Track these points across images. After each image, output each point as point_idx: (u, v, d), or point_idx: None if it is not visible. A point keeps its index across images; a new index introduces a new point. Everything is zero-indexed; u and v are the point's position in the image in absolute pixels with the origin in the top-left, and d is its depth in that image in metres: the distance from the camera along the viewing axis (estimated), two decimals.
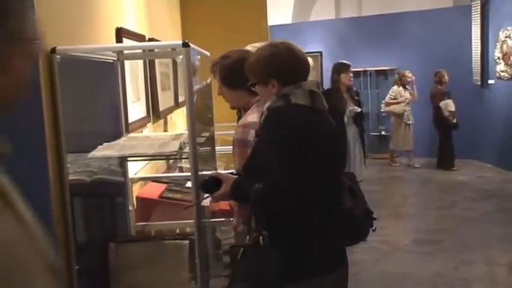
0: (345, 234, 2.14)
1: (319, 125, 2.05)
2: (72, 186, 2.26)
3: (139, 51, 3.13)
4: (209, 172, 2.37)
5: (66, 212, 2.24)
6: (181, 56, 2.22)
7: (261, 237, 2.00)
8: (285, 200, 1.94)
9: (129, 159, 2.72)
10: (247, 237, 2.06)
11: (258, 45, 2.93)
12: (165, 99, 4.51)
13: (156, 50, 3.18)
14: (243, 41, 3.16)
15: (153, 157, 2.47)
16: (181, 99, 5.38)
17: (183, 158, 2.37)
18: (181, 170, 3.98)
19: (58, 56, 2.14)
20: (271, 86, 2.10)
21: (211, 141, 3.29)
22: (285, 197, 1.93)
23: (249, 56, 2.30)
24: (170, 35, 5.38)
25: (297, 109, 2.03)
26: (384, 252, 5.34)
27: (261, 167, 2.01)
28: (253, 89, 2.21)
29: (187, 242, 2.53)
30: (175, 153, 2.25)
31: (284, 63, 2.08)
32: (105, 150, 2.35)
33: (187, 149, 2.30)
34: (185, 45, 2.16)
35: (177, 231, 3.30)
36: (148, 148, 2.36)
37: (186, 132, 2.79)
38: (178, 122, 5.30)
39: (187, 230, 3.17)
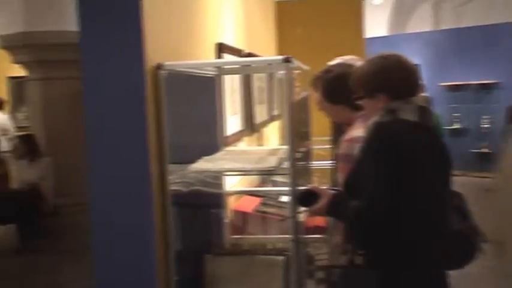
0: (451, 256, 2.02)
1: (427, 143, 1.95)
2: (171, 196, 2.32)
3: (238, 66, 3.20)
4: (306, 187, 2.34)
5: (167, 222, 2.29)
6: (281, 72, 2.21)
7: (357, 257, 1.93)
8: (384, 220, 1.86)
9: (227, 173, 2.75)
10: (343, 256, 2.01)
11: (348, 58, 2.89)
12: (260, 113, 4.55)
13: (253, 65, 3.22)
14: (338, 54, 3.11)
15: (251, 172, 2.47)
16: (275, 112, 5.41)
17: (282, 174, 2.35)
18: (274, 183, 3.99)
19: (164, 72, 2.21)
20: (379, 100, 2.03)
21: (307, 155, 3.26)
22: (383, 217, 1.86)
23: (352, 71, 2.25)
24: (266, 49, 5.44)
25: (405, 125, 1.94)
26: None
27: (361, 184, 1.95)
28: (358, 102, 2.14)
29: (281, 257, 2.51)
30: (273, 168, 2.24)
31: (394, 77, 2.01)
32: (205, 164, 2.39)
33: (285, 165, 2.29)
34: (287, 60, 2.15)
35: (270, 245, 3.30)
36: (247, 163, 2.38)
37: (283, 147, 2.79)
38: (273, 135, 5.32)
39: (279, 245, 3.16)
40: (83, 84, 2.16)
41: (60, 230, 5.94)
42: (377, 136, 1.96)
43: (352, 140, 2.26)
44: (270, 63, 2.50)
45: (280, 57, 2.18)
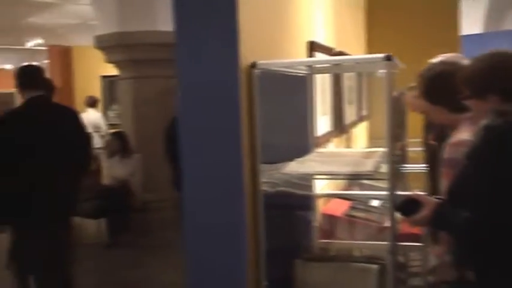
0: None
1: None
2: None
3: (330, 64, 3.09)
4: (405, 193, 2.20)
5: (258, 223, 2.24)
6: (381, 70, 2.09)
7: (468, 273, 1.78)
8: (497, 235, 1.70)
9: (323, 177, 2.66)
10: (451, 270, 1.86)
11: (450, 55, 2.69)
12: (349, 113, 4.42)
13: (348, 64, 3.10)
14: (432, 53, 2.93)
15: (347, 176, 2.37)
16: (364, 113, 5.25)
17: (380, 179, 2.23)
18: (361, 187, 3.85)
19: (257, 71, 2.15)
20: (489, 101, 1.86)
21: (402, 159, 3.11)
22: (496, 231, 1.70)
23: (454, 69, 2.09)
24: (354, 47, 5.28)
25: None
26: None
27: (466, 192, 1.79)
28: (465, 103, 1.97)
29: (375, 266, 2.38)
30: (371, 173, 2.12)
31: (508, 76, 1.84)
32: (299, 167, 2.31)
33: (383, 169, 2.16)
34: (387, 58, 2.03)
35: (358, 251, 3.18)
36: (342, 166, 2.27)
37: (378, 149, 2.66)
38: (361, 136, 5.16)
39: (367, 251, 3.04)
40: (177, 83, 2.15)
41: (148, 225, 6.09)
42: (487, 141, 1.79)
43: (458, 144, 2.09)
44: (369, 62, 2.37)
45: (381, 55, 2.06)
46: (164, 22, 6.71)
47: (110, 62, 7.19)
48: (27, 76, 3.53)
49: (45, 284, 3.58)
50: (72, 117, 3.65)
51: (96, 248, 6.09)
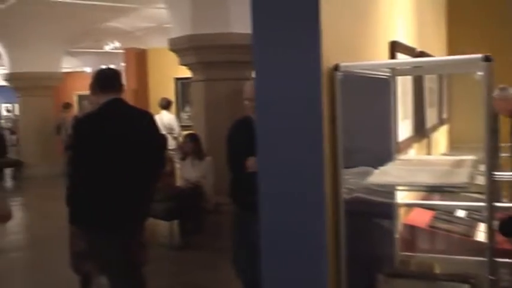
0: None
1: None
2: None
3: (412, 66, 2.91)
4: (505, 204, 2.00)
5: (339, 231, 2.11)
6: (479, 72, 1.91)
7: None
8: None
9: (411, 189, 2.48)
10: None
11: None
12: (430, 117, 4.18)
13: (431, 65, 2.91)
14: None
15: (439, 189, 2.18)
16: (444, 116, 4.97)
17: (476, 193, 2.03)
18: (443, 196, 3.60)
19: (340, 73, 2.02)
20: None
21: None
22: None
23: None
24: (436, 47, 5.02)
25: None
26: None
27: None
28: None
29: (467, 286, 2.19)
30: (466, 185, 1.93)
31: None
32: (385, 176, 2.15)
33: (478, 180, 1.97)
34: (487, 59, 1.84)
35: (443, 266, 2.97)
36: (433, 177, 2.09)
37: (469, 157, 2.46)
38: (441, 140, 4.89)
39: (453, 266, 2.82)
40: (256, 85, 2.05)
41: (220, 227, 6.07)
42: None
43: None
44: (465, 63, 2.18)
45: (479, 55, 1.88)
46: (237, 24, 6.70)
47: (183, 64, 7.26)
48: (108, 79, 3.56)
49: (119, 286, 3.59)
50: (147, 120, 3.65)
51: (168, 250, 6.15)
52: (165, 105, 9.63)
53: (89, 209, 3.39)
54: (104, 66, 4.05)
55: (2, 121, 19.21)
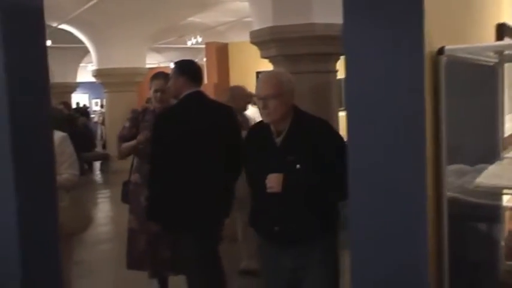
0: None
1: None
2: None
3: None
4: None
5: (441, 232, 1.88)
6: None
7: None
8: None
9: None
10: None
11: None
12: None
13: None
14: None
15: None
16: None
17: None
18: None
19: (444, 57, 1.78)
20: None
21: None
22: None
23: None
24: None
25: None
26: None
27: None
28: None
29: None
30: None
31: None
32: (495, 179, 1.89)
33: None
34: None
35: None
36: None
37: None
38: None
39: None
40: (346, 76, 1.85)
41: None
42: None
43: None
44: None
45: None
46: (320, 14, 6.46)
47: (265, 57, 7.11)
48: (197, 70, 3.50)
49: (198, 284, 3.51)
50: (227, 114, 3.54)
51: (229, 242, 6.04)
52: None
53: (168, 206, 3.33)
54: (186, 59, 3.95)
55: (92, 116, 20.04)
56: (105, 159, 13.27)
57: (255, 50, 7.24)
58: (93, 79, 13.98)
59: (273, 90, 2.68)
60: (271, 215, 2.77)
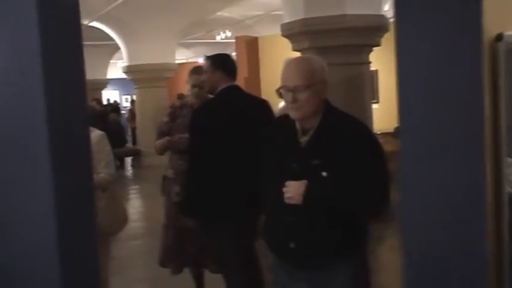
0: None
1: None
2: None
3: None
4: None
5: (501, 227, 1.76)
6: None
7: None
8: None
9: None
10: None
11: None
12: None
13: None
14: None
15: None
16: None
17: None
18: None
19: (503, 44, 1.66)
20: None
21: None
22: None
23: None
24: None
25: None
26: None
27: None
28: None
29: None
30: None
31: None
32: None
33: None
34: None
35: None
36: None
37: None
38: None
39: None
40: (397, 64, 1.74)
41: None
42: None
43: None
44: None
45: None
46: (352, 5, 6.33)
47: (296, 49, 7.01)
48: (233, 64, 3.44)
49: (235, 280, 3.45)
50: (264, 108, 3.46)
51: None
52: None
53: (205, 199, 3.28)
54: (221, 53, 3.89)
55: (123, 112, 20.22)
56: (136, 154, 13.36)
57: (285, 43, 7.15)
58: (123, 75, 14.09)
59: (303, 79, 2.22)
60: (286, 229, 2.30)
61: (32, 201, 2.05)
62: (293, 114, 2.29)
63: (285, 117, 2.40)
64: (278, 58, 10.90)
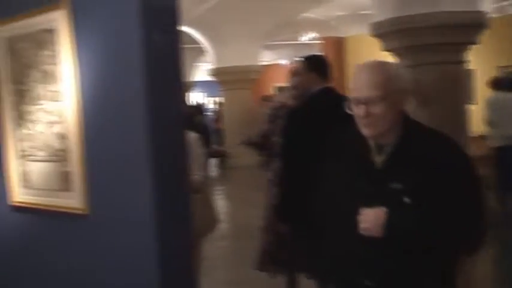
0: None
1: None
2: None
3: None
4: None
5: None
6: None
7: None
8: None
9: None
10: None
11: None
12: None
13: None
14: None
15: None
16: None
17: None
18: None
19: None
20: None
21: None
22: None
23: None
24: None
25: None
26: None
27: None
28: None
29: None
30: None
31: None
32: None
33: None
34: None
35: None
36: None
37: None
38: None
39: None
40: None
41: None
42: None
43: None
44: None
45: None
46: (447, 2, 6.04)
47: (387, 49, 6.80)
48: (328, 65, 3.36)
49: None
50: None
51: None
52: None
53: (298, 204, 3.22)
54: (314, 54, 3.81)
55: (208, 113, 20.60)
56: (222, 156, 13.55)
57: (373, 43, 6.96)
58: (208, 78, 14.34)
59: (378, 89, 1.88)
60: (360, 264, 1.95)
61: (133, 202, 2.08)
62: (366, 132, 1.94)
63: (353, 128, 1.99)
64: (365, 58, 10.74)
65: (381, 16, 6.58)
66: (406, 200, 1.85)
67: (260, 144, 4.19)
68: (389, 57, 7.01)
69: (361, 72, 1.96)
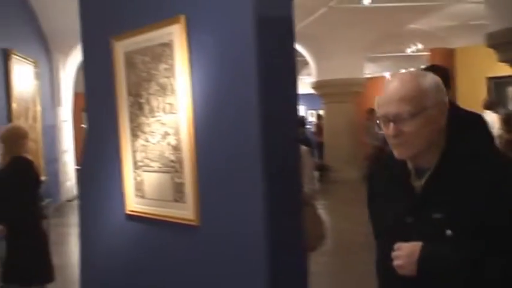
0: None
1: None
2: None
3: None
4: None
5: None
6: None
7: None
8: None
9: None
10: None
11: None
12: None
13: None
14: None
15: None
16: None
17: None
18: None
19: None
20: None
21: None
22: None
23: None
24: None
25: None
26: None
27: None
28: None
29: None
30: None
31: None
32: None
33: None
34: None
35: None
36: None
37: None
38: None
39: None
40: None
41: None
42: None
43: None
44: None
45: None
46: None
47: (503, 60, 6.43)
48: (443, 78, 3.21)
49: None
50: (479, 124, 3.16)
51: None
52: (489, 105, 9.01)
53: None
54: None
55: (308, 126, 20.56)
56: (323, 169, 13.41)
57: (485, 54, 6.63)
58: (308, 91, 14.30)
59: (409, 104, 1.64)
60: None
61: (244, 215, 2.05)
62: (397, 153, 1.70)
63: (388, 153, 1.76)
64: (476, 70, 10.21)
65: (496, 26, 6.25)
66: (449, 232, 1.60)
67: (379, 149, 4.09)
68: (504, 69, 6.63)
69: (389, 85, 1.70)
